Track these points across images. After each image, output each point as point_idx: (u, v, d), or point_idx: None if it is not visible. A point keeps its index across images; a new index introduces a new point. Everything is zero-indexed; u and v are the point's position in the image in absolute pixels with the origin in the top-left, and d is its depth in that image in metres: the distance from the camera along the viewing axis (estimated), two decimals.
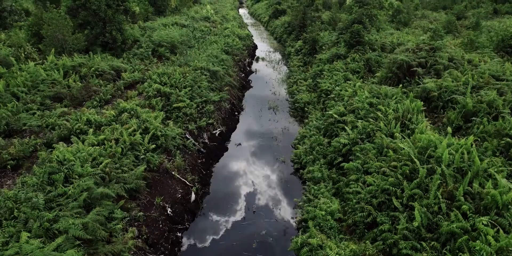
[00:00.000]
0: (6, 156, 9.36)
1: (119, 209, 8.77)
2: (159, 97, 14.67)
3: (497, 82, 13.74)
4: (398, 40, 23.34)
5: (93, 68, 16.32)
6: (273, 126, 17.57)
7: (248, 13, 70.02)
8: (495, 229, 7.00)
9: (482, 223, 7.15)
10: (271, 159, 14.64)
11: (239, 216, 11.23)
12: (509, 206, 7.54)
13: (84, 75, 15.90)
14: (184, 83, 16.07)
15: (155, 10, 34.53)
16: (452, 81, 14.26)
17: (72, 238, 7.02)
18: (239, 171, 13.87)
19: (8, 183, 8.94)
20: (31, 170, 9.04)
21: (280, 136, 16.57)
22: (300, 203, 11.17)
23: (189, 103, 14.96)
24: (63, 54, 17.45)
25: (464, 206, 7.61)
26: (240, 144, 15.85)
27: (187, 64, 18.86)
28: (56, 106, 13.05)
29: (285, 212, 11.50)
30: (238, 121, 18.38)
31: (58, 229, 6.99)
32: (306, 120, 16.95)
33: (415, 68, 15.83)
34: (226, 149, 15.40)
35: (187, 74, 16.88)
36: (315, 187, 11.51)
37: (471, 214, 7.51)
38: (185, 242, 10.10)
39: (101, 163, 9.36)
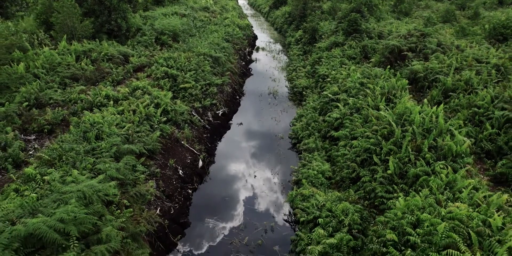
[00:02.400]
0: (43, 121, 11.87)
1: (140, 165, 11.26)
2: (167, 79, 17.20)
3: (478, 64, 16.28)
4: (397, 29, 25.89)
5: (102, 53, 18.84)
6: (273, 109, 20.09)
7: (248, 3, 72.79)
8: (448, 169, 9.51)
9: (440, 167, 9.68)
10: (271, 136, 17.14)
11: (241, 180, 13.74)
12: (463, 155, 10.06)
13: (95, 59, 18.41)
14: (189, 66, 18.62)
15: (153, 0, 37.12)
16: (438, 64, 16.81)
17: (108, 178, 9.52)
18: (240, 147, 16.37)
19: (46, 144, 11.43)
20: (65, 133, 11.53)
21: (279, 117, 19.08)
22: (296, 168, 13.68)
23: (194, 85, 17.49)
24: (73, 40, 19.97)
25: (427, 155, 10.12)
26: (241, 123, 18.37)
27: (190, 50, 21.42)
28: (74, 85, 15.56)
29: (282, 176, 13.99)
30: (239, 104, 20.91)
31: (98, 170, 9.50)
32: (304, 103, 19.48)
33: (405, 53, 18.39)
34: (229, 128, 17.93)
35: (191, 59, 19.44)
36: (310, 155, 14.03)
37: (432, 161, 10.03)
38: (195, 198, 12.61)
39: (124, 127, 11.90)
